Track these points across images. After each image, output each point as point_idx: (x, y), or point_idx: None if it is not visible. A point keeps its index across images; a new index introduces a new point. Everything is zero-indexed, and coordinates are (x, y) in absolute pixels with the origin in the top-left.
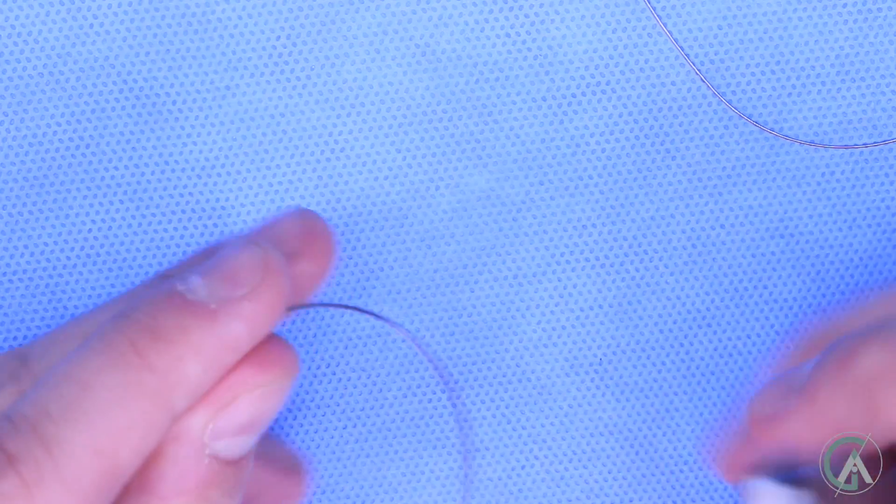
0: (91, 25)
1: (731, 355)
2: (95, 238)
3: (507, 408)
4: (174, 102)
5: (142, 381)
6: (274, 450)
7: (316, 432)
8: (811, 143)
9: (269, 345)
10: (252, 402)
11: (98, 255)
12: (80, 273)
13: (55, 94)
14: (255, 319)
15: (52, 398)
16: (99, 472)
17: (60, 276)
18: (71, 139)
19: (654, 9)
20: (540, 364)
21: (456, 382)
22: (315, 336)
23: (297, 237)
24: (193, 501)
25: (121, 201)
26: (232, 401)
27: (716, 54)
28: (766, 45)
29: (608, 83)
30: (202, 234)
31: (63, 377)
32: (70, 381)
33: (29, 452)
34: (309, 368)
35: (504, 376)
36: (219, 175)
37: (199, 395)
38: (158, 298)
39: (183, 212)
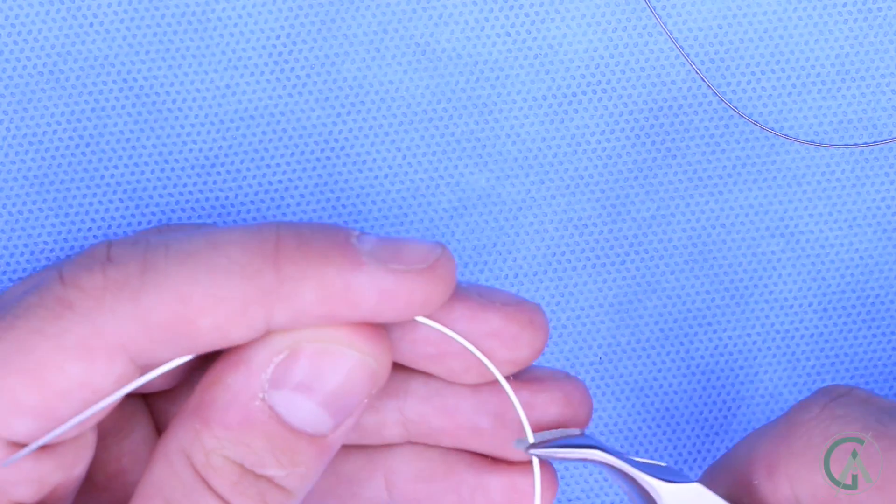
0: (91, 25)
1: (731, 355)
2: (95, 238)
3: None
4: (174, 102)
5: (261, 271)
6: None
7: None
8: (811, 142)
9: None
10: (315, 357)
11: None
12: None
13: (55, 93)
14: (390, 295)
15: (180, 239)
16: (171, 318)
17: None
18: (71, 139)
19: (654, 9)
20: (540, 363)
21: None
22: None
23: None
24: (234, 440)
25: (121, 200)
26: (297, 349)
27: (716, 54)
28: (766, 45)
29: (608, 83)
30: None
31: (201, 232)
32: (204, 236)
33: (126, 264)
34: None
35: None
36: (219, 174)
37: (296, 323)
38: (331, 228)
39: (183, 211)
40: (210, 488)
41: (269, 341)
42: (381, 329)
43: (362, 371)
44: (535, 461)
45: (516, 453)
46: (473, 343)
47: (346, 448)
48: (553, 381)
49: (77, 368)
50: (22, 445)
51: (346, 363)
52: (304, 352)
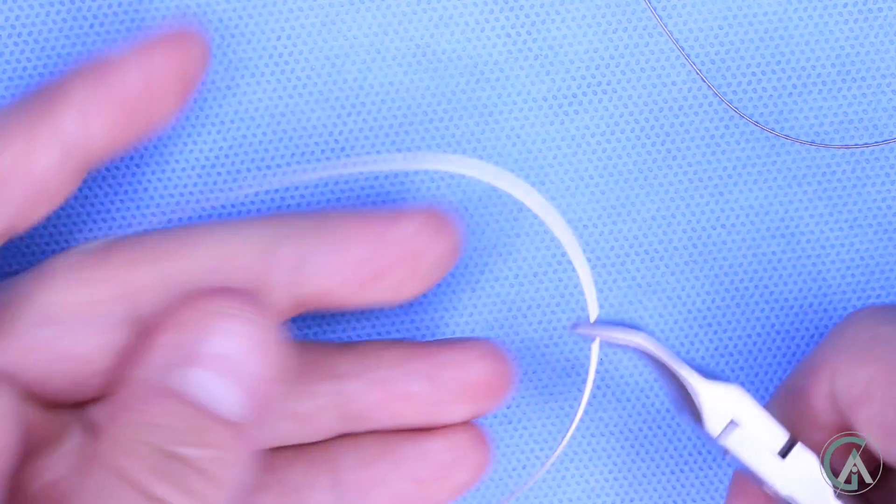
0: (91, 25)
1: (731, 355)
2: (95, 237)
3: (507, 408)
4: None
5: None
6: None
7: None
8: (811, 143)
9: (242, 291)
10: (199, 328)
11: None
12: None
13: None
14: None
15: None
16: None
17: None
18: None
19: (655, 9)
20: (540, 364)
21: None
22: None
23: None
24: (145, 422)
25: (121, 201)
26: (181, 324)
27: (716, 54)
28: (766, 45)
29: (608, 83)
30: None
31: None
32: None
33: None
34: None
35: None
36: (219, 174)
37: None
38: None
39: (183, 211)
40: (131, 483)
41: (164, 329)
42: (257, 297)
43: (250, 333)
44: (596, 345)
45: (450, 416)
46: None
47: (287, 457)
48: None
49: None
50: None
51: (240, 325)
52: (201, 326)
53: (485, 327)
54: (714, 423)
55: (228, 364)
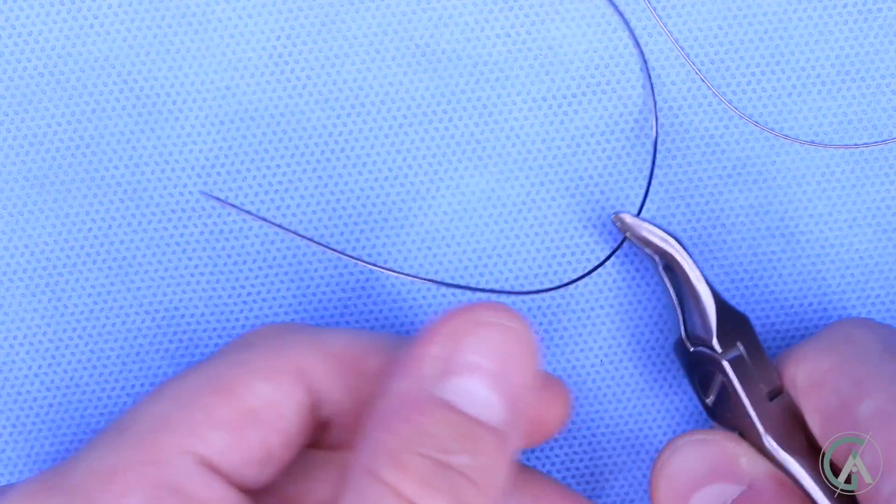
0: (91, 25)
1: None
2: (95, 237)
3: None
4: (174, 102)
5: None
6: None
7: None
8: (811, 143)
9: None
10: (471, 337)
11: (98, 254)
12: (80, 273)
13: (55, 94)
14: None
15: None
16: (344, 351)
17: (60, 275)
18: (71, 139)
19: (654, 9)
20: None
21: None
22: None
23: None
24: (419, 432)
25: (121, 200)
26: (453, 335)
27: (716, 54)
28: (766, 45)
29: (608, 83)
30: (202, 234)
31: None
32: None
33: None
34: None
35: None
36: (218, 174)
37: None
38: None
39: (183, 211)
40: (399, 496)
41: (425, 342)
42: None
43: (517, 341)
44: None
45: None
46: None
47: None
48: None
49: (264, 386)
50: (211, 466)
51: (501, 335)
52: (461, 337)
53: None
54: (721, 343)
55: (491, 372)
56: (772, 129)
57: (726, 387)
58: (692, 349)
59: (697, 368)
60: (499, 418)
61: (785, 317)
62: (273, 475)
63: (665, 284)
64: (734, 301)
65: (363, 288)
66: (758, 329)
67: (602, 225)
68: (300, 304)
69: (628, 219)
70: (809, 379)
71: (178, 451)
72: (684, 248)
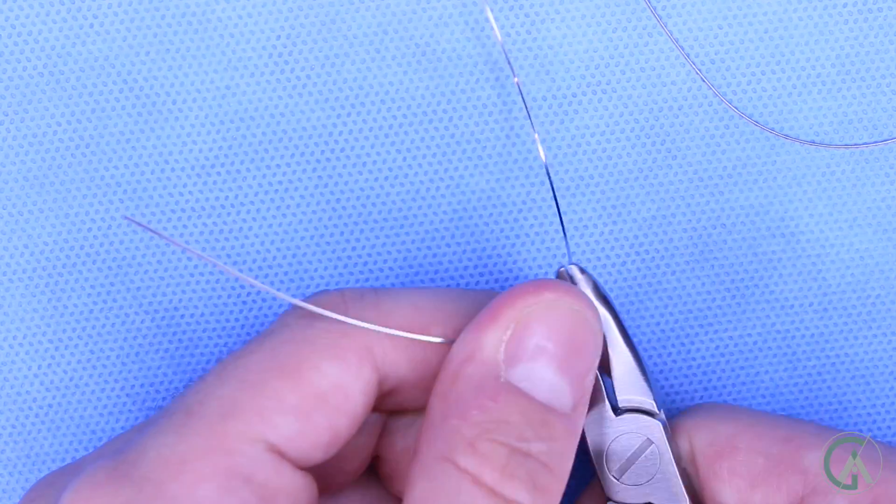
0: (91, 25)
1: (731, 355)
2: (95, 237)
3: None
4: (174, 102)
5: (484, 297)
6: None
7: None
8: (811, 142)
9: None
10: (541, 322)
11: (98, 254)
12: (80, 273)
13: (55, 93)
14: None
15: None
16: (408, 323)
17: (60, 275)
18: (71, 139)
19: (654, 9)
20: None
21: None
22: None
23: None
24: (495, 419)
25: (121, 200)
26: (522, 320)
27: (716, 54)
28: (766, 45)
29: (608, 83)
30: (202, 234)
31: None
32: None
33: (359, 289)
34: None
35: None
36: (218, 174)
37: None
38: None
39: (183, 211)
40: (479, 483)
41: (492, 325)
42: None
43: (584, 325)
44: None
45: None
46: None
47: None
48: None
49: (332, 367)
50: (280, 453)
51: (569, 319)
52: (529, 320)
53: None
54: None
55: (560, 358)
56: (772, 129)
57: (649, 458)
58: (617, 416)
59: (615, 442)
60: (568, 404)
61: (785, 317)
62: (336, 452)
63: None
64: (734, 301)
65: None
66: (758, 329)
67: (602, 224)
68: None
69: (579, 275)
70: (715, 446)
71: (249, 439)
72: (612, 308)
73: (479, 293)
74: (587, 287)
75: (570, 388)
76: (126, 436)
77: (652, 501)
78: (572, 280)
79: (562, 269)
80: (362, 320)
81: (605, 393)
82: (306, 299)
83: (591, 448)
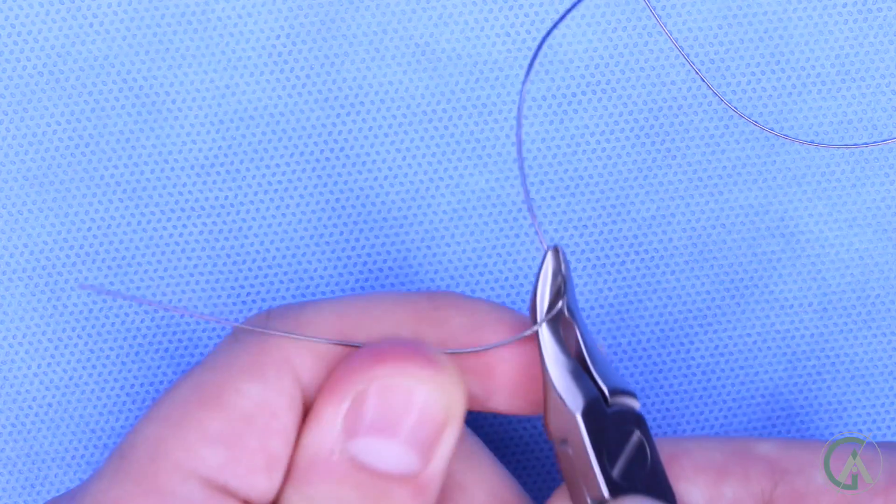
0: (91, 25)
1: (731, 355)
2: (95, 237)
3: None
4: (174, 102)
5: (415, 300)
6: None
7: None
8: (811, 142)
9: (408, 344)
10: (382, 396)
11: (98, 254)
12: (80, 273)
13: (55, 93)
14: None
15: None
16: (329, 333)
17: (60, 275)
18: (71, 139)
19: (654, 9)
20: None
21: None
22: None
23: None
24: (324, 496)
25: (120, 200)
26: (362, 392)
27: (716, 54)
28: (766, 45)
29: (608, 83)
30: (202, 234)
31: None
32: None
33: (285, 306)
34: None
35: None
36: (218, 174)
37: (441, 345)
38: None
39: (183, 210)
40: None
41: (333, 392)
42: (445, 359)
43: (434, 403)
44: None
45: None
46: None
47: None
48: None
49: (253, 387)
50: (217, 485)
51: (414, 397)
52: (370, 394)
53: None
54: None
55: (400, 428)
56: (772, 129)
57: (641, 449)
58: (610, 410)
59: (607, 435)
60: (414, 466)
61: (785, 317)
62: (283, 479)
63: (564, 346)
64: (734, 301)
65: (363, 287)
66: (758, 328)
67: (603, 224)
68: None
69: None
70: (668, 451)
71: (181, 477)
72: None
73: (417, 295)
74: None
75: (415, 453)
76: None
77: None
78: (558, 259)
79: (549, 249)
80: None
81: (595, 386)
82: (235, 328)
83: (585, 442)
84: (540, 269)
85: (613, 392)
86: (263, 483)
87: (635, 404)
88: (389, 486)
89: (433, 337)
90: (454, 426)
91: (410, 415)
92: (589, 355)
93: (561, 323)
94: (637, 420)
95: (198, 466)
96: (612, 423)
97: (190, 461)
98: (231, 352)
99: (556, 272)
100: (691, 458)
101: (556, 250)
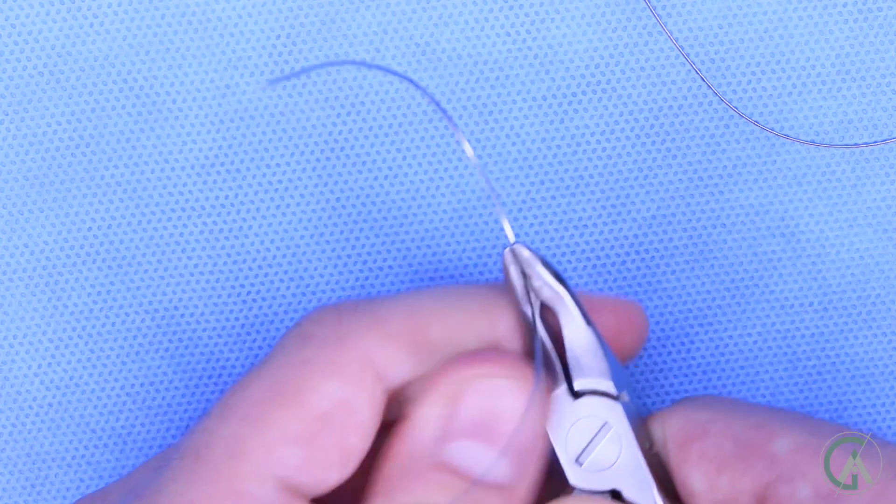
0: (91, 25)
1: (731, 355)
2: (95, 237)
3: None
4: (174, 102)
5: (484, 292)
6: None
7: None
8: (811, 142)
9: (503, 352)
10: (476, 398)
11: (98, 254)
12: (80, 273)
13: (55, 93)
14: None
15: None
16: (405, 328)
17: (60, 275)
18: (71, 139)
19: (654, 9)
20: None
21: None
22: None
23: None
24: (416, 501)
25: (121, 200)
26: (457, 396)
27: (716, 54)
28: (766, 45)
29: (608, 83)
30: (202, 234)
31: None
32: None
33: (355, 301)
34: None
35: None
36: (218, 174)
37: (516, 334)
38: None
39: (183, 210)
40: None
41: (428, 398)
42: (529, 362)
43: (519, 396)
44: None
45: None
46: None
47: None
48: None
49: (332, 385)
50: (292, 487)
51: (509, 397)
52: (464, 396)
53: None
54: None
55: (492, 433)
56: (772, 129)
57: (610, 442)
58: (575, 399)
59: (573, 427)
60: (505, 475)
61: (785, 317)
62: (354, 469)
63: (538, 331)
64: (734, 301)
65: (363, 287)
66: (758, 328)
67: (603, 224)
68: (300, 303)
69: (525, 253)
70: (686, 432)
71: (259, 479)
72: (567, 288)
73: (480, 287)
74: (536, 263)
75: (512, 462)
76: (146, 473)
77: (617, 488)
78: (527, 259)
79: (507, 248)
80: (356, 329)
81: (561, 376)
82: (303, 317)
83: (550, 435)
84: (507, 274)
85: (581, 389)
86: (334, 478)
87: (612, 392)
88: (485, 494)
89: (508, 325)
90: (545, 443)
91: (503, 417)
92: (567, 347)
93: (547, 312)
94: (610, 409)
95: (275, 467)
96: (577, 416)
97: (268, 462)
98: (307, 347)
99: (518, 272)
100: (702, 444)
101: (511, 251)
